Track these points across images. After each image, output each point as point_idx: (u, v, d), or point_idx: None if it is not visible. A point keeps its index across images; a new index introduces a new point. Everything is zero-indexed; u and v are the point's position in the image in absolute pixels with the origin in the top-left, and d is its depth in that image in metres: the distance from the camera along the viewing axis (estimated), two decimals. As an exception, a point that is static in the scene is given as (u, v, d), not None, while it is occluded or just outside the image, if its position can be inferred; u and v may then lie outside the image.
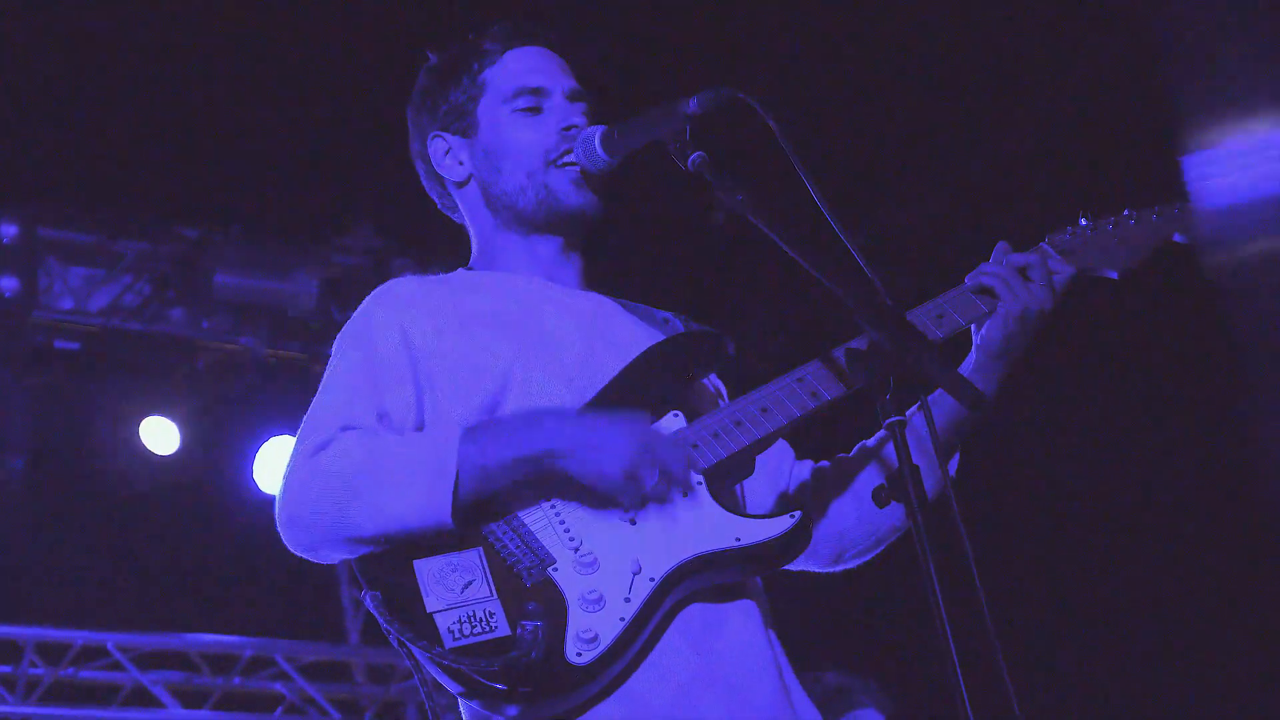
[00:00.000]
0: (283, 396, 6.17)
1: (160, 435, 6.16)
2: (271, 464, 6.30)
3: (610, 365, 2.56)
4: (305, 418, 2.50)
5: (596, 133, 2.70)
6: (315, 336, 6.16)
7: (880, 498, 2.29)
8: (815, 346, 2.59)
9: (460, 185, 2.80)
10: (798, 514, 2.43)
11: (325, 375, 2.59)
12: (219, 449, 6.29)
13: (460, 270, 2.79)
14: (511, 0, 3.20)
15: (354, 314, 2.65)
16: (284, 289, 6.14)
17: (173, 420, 6.21)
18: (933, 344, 2.40)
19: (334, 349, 2.62)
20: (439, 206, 2.88)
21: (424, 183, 2.89)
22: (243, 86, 5.10)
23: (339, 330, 2.66)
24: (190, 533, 6.14)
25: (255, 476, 6.31)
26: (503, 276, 2.73)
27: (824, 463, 2.80)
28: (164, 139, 5.23)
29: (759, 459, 2.59)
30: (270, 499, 2.47)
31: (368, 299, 2.64)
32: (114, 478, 6.03)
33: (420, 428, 2.52)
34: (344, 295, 6.01)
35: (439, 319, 2.58)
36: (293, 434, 2.55)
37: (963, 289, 2.67)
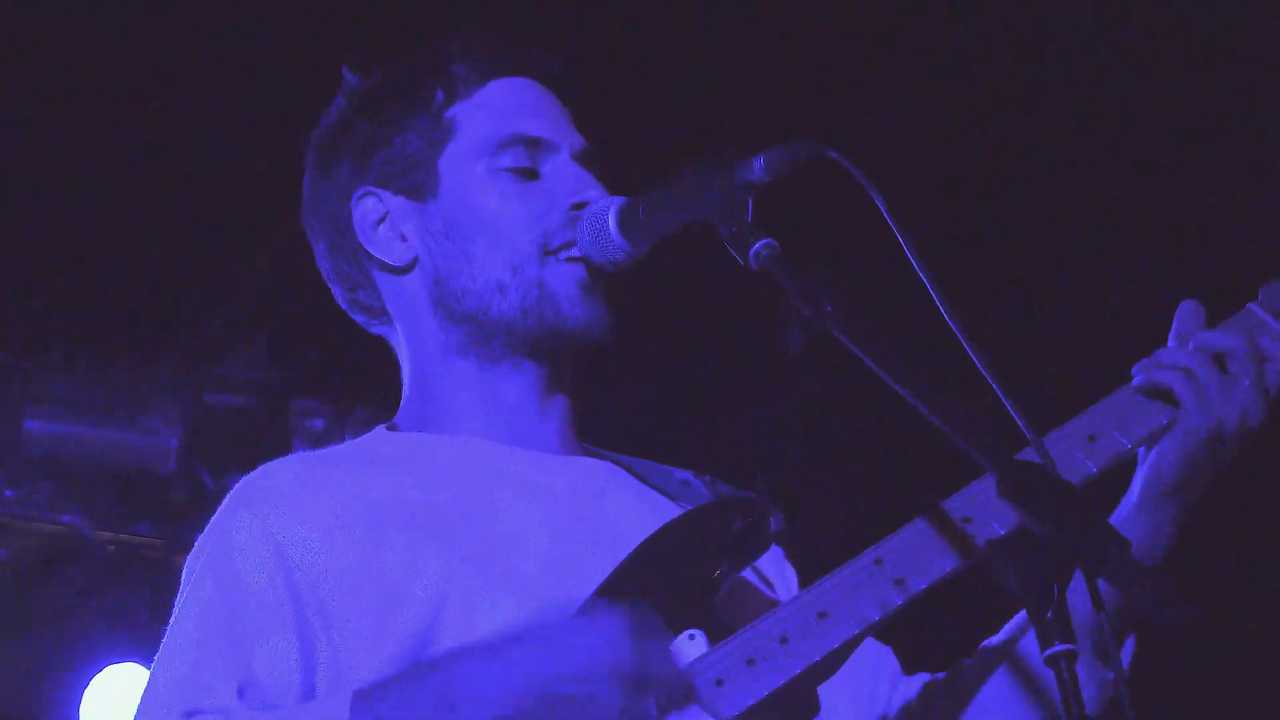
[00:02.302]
0: (125, 603, 5.99)
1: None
2: (106, 705, 5.99)
3: (594, 569, 2.50)
4: (141, 695, 2.44)
5: (612, 209, 2.67)
6: (175, 513, 5.97)
7: None
8: (900, 506, 2.58)
9: (398, 273, 2.76)
10: None
11: (170, 622, 2.52)
12: (31, 680, 6.07)
13: (378, 430, 2.75)
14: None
15: (210, 521, 2.58)
16: (128, 442, 6.00)
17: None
18: (1118, 535, 2.28)
19: (183, 578, 2.57)
20: (347, 307, 2.85)
21: (326, 267, 2.84)
22: (78, 145, 5.15)
23: (210, 508, 2.62)
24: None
25: (81, 720, 6.13)
26: (441, 443, 2.68)
27: (940, 675, 2.77)
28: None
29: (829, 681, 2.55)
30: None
31: (229, 498, 2.59)
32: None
33: (310, 693, 2.47)
34: (218, 453, 5.92)
35: (334, 521, 2.53)
36: (139, 661, 2.62)
37: (1128, 390, 2.63)
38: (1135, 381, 2.66)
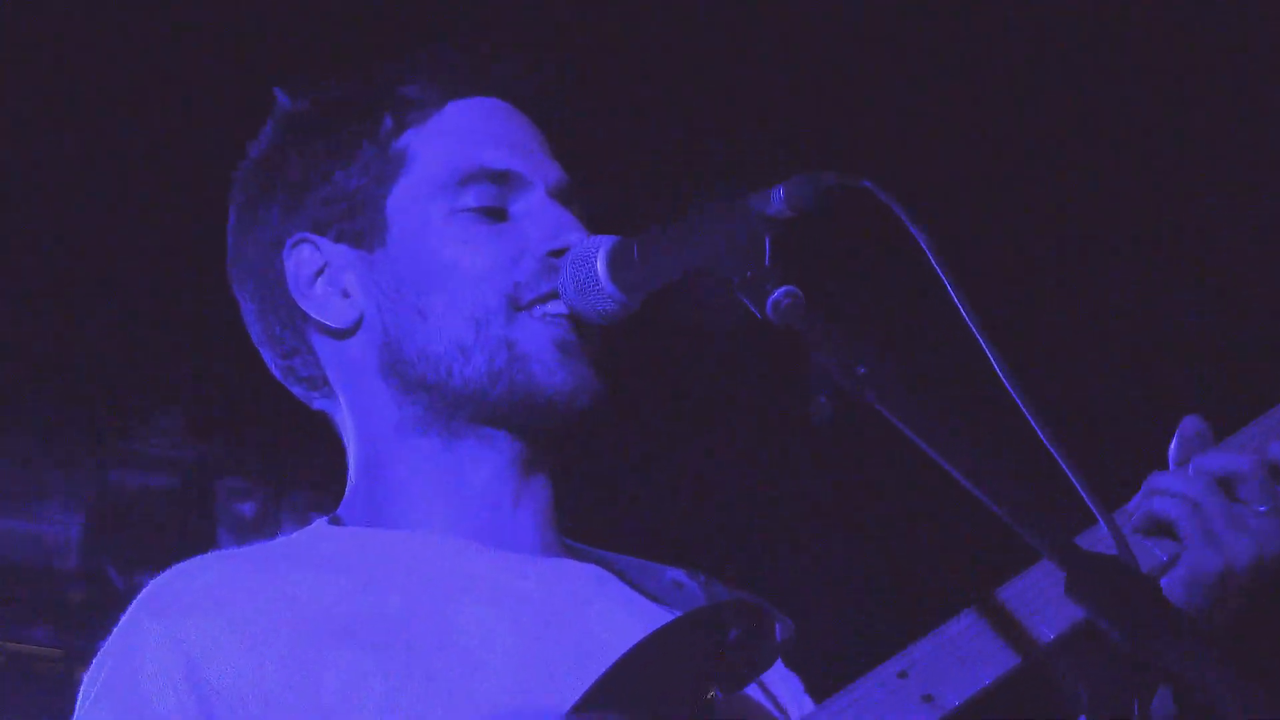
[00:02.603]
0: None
1: None
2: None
3: (567, 689, 2.38)
4: None
5: (600, 250, 2.52)
6: (76, 618, 5.80)
7: None
8: (934, 603, 2.49)
9: (340, 336, 2.61)
10: None
11: None
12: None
13: (317, 525, 2.63)
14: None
15: (112, 633, 2.45)
16: (20, 531, 5.83)
17: None
18: (1208, 642, 2.16)
19: (79, 700, 2.44)
20: (282, 377, 2.71)
21: (257, 330, 2.69)
22: None
23: (118, 611, 2.48)
24: None
25: None
26: (394, 541, 2.57)
27: None
28: None
29: None
30: None
31: (135, 605, 2.47)
32: None
33: None
34: (128, 544, 5.73)
35: (263, 637, 2.41)
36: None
37: (1126, 517, 2.55)
38: (1132, 508, 2.55)
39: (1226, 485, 2.54)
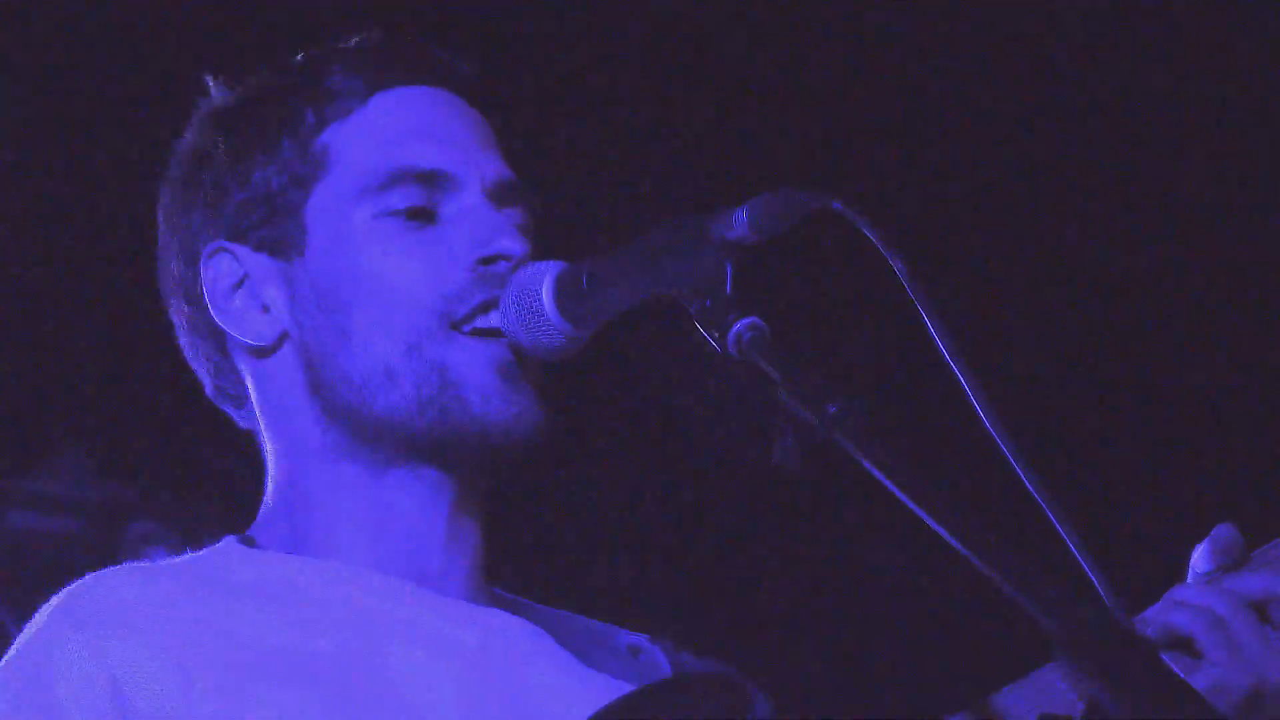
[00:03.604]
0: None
1: None
2: None
3: None
4: None
5: (546, 276, 2.39)
6: None
7: None
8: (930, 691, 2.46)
9: (262, 353, 2.48)
10: None
11: None
12: None
13: (227, 543, 2.49)
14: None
15: (19, 644, 2.33)
16: None
17: None
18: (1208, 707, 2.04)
19: None
20: (213, 396, 2.59)
21: (184, 344, 2.57)
22: None
23: None
24: None
25: None
26: (318, 571, 2.44)
27: None
28: None
29: None
30: None
31: (51, 613, 2.34)
32: None
33: None
34: (27, 590, 5.20)
35: (191, 661, 2.29)
36: None
37: (1143, 625, 2.44)
38: (1150, 618, 2.42)
39: (1259, 608, 2.43)
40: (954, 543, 2.03)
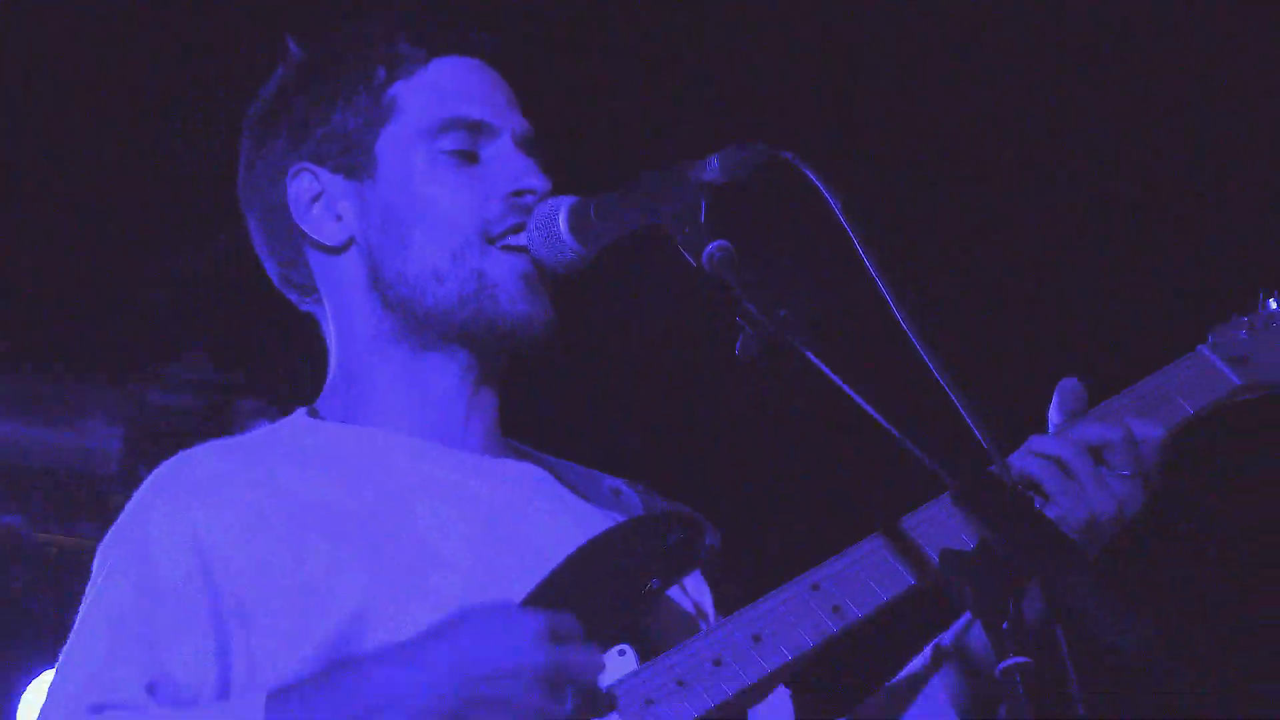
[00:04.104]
0: (64, 606, 5.90)
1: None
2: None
3: (517, 584, 2.50)
4: (49, 686, 2.46)
5: (562, 207, 2.66)
6: (116, 514, 5.88)
7: None
8: (849, 524, 2.59)
9: (332, 252, 2.74)
10: None
11: (81, 612, 2.53)
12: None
13: (298, 416, 2.75)
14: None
15: (127, 509, 2.58)
16: (69, 443, 6.01)
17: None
18: (1076, 548, 2.35)
19: (95, 566, 2.57)
20: (280, 284, 2.84)
21: (259, 242, 2.83)
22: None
23: None
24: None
25: (19, 724, 6.14)
26: (364, 438, 2.66)
27: None
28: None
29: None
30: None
31: (147, 487, 2.59)
32: None
33: (224, 691, 2.48)
34: (161, 454, 5.70)
35: (256, 517, 2.52)
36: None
37: (1007, 469, 2.57)
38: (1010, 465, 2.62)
39: (1095, 451, 2.66)
40: (873, 413, 2.34)
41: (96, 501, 6.11)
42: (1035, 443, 2.67)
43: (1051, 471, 2.64)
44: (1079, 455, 2.64)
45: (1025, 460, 2.66)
